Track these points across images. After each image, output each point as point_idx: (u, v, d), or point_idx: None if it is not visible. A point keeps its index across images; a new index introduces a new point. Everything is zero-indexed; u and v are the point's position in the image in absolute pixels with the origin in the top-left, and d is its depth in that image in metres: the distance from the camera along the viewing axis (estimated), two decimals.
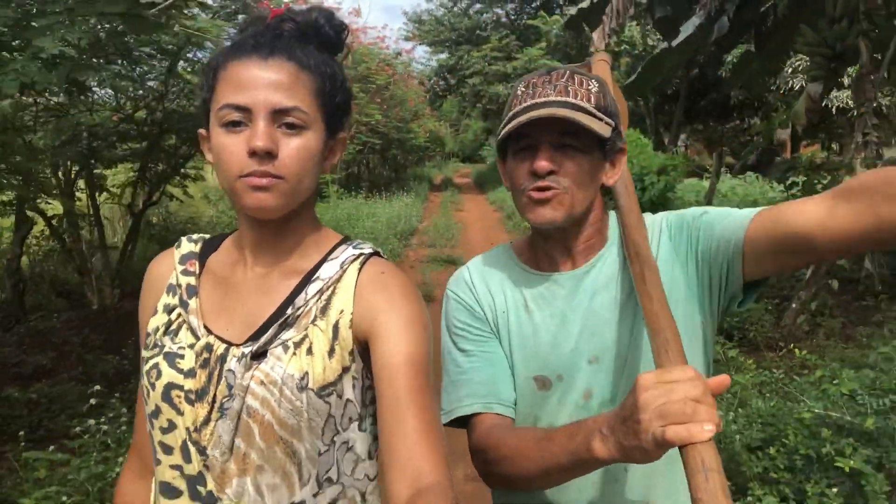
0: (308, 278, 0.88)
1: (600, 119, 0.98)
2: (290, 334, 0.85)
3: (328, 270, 0.88)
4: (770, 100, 12.53)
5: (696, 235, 1.02)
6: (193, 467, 0.84)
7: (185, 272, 0.92)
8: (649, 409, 0.70)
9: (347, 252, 0.90)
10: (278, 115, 0.81)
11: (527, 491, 1.01)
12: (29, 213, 5.36)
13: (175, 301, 0.91)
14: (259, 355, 0.84)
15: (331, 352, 0.84)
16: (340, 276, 0.88)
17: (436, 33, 21.56)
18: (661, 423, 0.69)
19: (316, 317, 0.86)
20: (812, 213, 0.85)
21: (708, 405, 0.69)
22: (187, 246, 0.96)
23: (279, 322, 0.85)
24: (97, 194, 5.82)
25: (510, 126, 0.98)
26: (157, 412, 0.86)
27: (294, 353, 0.83)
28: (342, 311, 0.86)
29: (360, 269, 0.89)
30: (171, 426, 0.85)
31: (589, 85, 1.01)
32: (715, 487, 0.65)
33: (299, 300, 0.86)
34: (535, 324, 1.07)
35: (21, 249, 5.51)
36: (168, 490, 0.86)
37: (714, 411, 0.69)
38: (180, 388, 0.84)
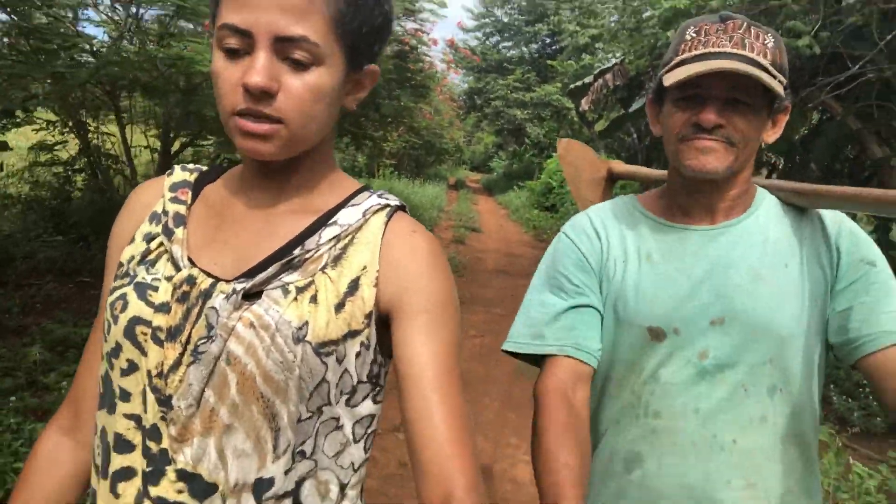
0: (324, 221, 0.78)
1: (774, 76, 0.94)
2: (294, 277, 0.74)
3: (348, 216, 0.78)
4: None
5: (848, 279, 1.00)
6: (148, 419, 0.72)
7: (175, 200, 0.81)
8: None
9: (371, 200, 0.80)
10: (283, 46, 0.68)
11: None
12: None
13: (157, 229, 0.80)
14: (252, 296, 0.73)
15: (339, 306, 0.74)
16: (361, 226, 0.78)
17: (469, 60, 25.63)
18: None
19: (327, 264, 0.75)
20: None
21: None
22: (181, 174, 0.86)
23: (283, 262, 0.73)
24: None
25: (683, 75, 0.93)
26: (117, 350, 0.74)
27: (295, 299, 0.72)
28: (365, 268, 0.76)
29: (386, 223, 0.79)
30: (132, 368, 0.74)
31: (766, 39, 0.97)
32: None
33: (310, 242, 0.75)
34: (658, 274, 1.04)
35: None
36: (120, 444, 0.73)
37: None
38: (147, 323, 0.73)
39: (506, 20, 24.17)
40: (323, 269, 0.75)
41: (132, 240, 0.82)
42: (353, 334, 0.75)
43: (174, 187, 0.84)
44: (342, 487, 0.78)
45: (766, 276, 1.01)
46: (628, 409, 1.04)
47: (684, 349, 1.00)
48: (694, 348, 1.00)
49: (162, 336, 0.72)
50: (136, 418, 0.74)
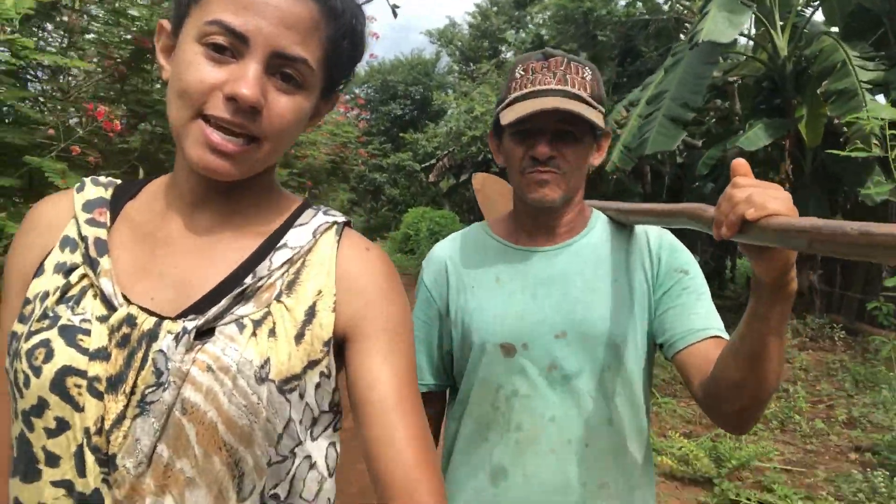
0: (272, 243, 0.73)
1: (594, 107, 1.07)
2: (248, 309, 0.68)
3: (298, 238, 0.74)
4: None
5: (665, 286, 1.12)
6: (87, 483, 0.64)
7: (93, 222, 0.72)
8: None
9: (318, 218, 0.77)
10: (278, 62, 0.65)
11: None
12: None
13: (76, 259, 0.70)
14: (203, 333, 0.66)
15: (298, 337, 0.69)
16: (312, 247, 0.74)
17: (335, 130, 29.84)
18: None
19: (281, 292, 0.70)
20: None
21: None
22: (94, 189, 0.75)
23: (235, 293, 0.68)
24: None
25: (515, 115, 1.05)
26: (40, 408, 0.65)
27: (253, 334, 0.67)
28: (320, 292, 0.72)
29: (338, 241, 0.75)
30: (62, 427, 0.64)
31: (584, 73, 1.09)
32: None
33: (262, 269, 0.70)
34: (505, 294, 1.14)
35: None
36: None
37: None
38: (82, 374, 0.64)
39: (364, 97, 28.88)
40: (278, 297, 0.70)
41: (40, 270, 0.71)
42: (311, 365, 0.70)
43: (88, 206, 0.73)
44: None
45: (601, 288, 1.12)
46: (494, 425, 1.12)
47: (534, 362, 1.10)
48: (542, 361, 1.10)
49: (101, 387, 0.64)
50: (68, 485, 0.64)
